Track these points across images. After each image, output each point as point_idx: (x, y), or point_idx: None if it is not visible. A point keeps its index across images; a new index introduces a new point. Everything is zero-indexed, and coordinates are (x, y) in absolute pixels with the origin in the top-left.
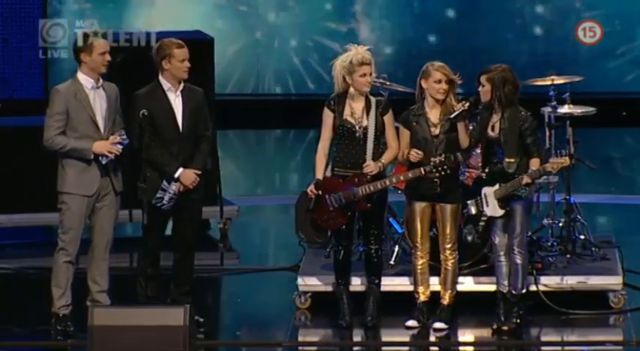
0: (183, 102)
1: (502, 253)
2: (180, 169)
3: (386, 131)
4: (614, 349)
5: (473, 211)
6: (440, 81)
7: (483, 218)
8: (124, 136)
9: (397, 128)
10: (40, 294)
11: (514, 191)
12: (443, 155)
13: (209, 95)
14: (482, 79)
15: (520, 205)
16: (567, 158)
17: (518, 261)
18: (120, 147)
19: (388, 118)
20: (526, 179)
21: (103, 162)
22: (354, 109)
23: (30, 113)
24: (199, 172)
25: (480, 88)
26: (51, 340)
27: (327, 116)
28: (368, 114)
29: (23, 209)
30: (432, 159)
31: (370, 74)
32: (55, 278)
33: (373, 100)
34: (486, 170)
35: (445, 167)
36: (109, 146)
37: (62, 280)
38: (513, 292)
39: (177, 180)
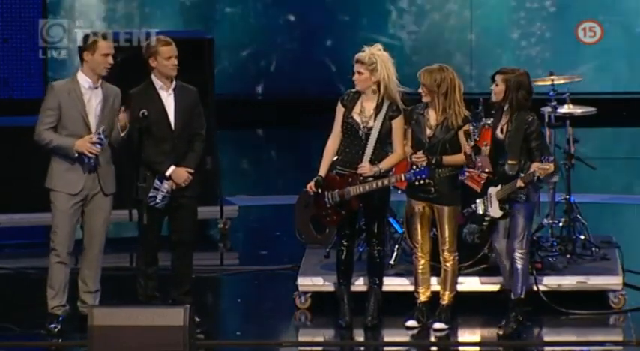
0: (175, 100)
1: (503, 258)
2: (172, 168)
3: (393, 136)
4: (614, 349)
5: (480, 210)
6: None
7: (487, 218)
8: (101, 137)
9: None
10: (39, 294)
11: (512, 194)
12: (428, 161)
13: (209, 95)
14: (498, 78)
15: (521, 209)
16: (552, 165)
17: (519, 265)
18: (98, 148)
19: (397, 123)
20: (519, 183)
21: (85, 161)
22: (365, 109)
23: (30, 113)
24: (191, 171)
25: (494, 87)
26: (48, 341)
27: (339, 111)
28: (377, 115)
29: (23, 209)
30: (413, 167)
31: (360, 73)
32: (49, 279)
33: (387, 102)
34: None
35: (423, 177)
36: (87, 146)
37: (54, 281)
38: (512, 296)
39: (170, 178)
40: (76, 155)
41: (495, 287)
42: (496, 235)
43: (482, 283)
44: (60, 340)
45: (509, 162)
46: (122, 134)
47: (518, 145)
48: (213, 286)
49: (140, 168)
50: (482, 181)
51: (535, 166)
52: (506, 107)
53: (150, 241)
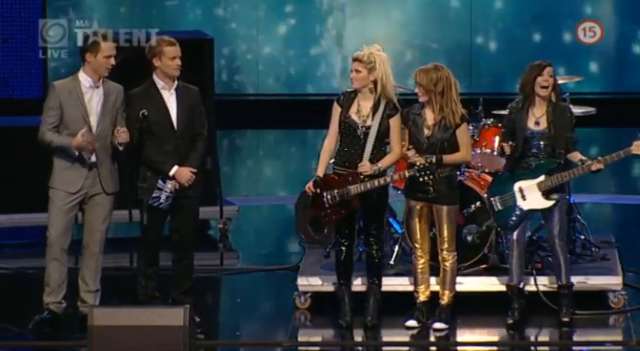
0: (177, 100)
1: (517, 248)
2: (175, 167)
3: (390, 134)
4: (614, 349)
5: (498, 207)
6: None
7: (517, 212)
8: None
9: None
10: (39, 294)
11: (568, 181)
12: (428, 158)
13: (209, 95)
14: (550, 71)
15: (560, 199)
16: None
17: (561, 256)
18: (94, 146)
19: (394, 121)
20: (597, 165)
21: (86, 160)
22: (362, 108)
23: (30, 113)
24: (195, 170)
25: (541, 81)
26: (45, 340)
27: (335, 111)
28: (374, 114)
29: (23, 209)
30: (417, 163)
31: (357, 71)
32: (45, 276)
33: (384, 101)
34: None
35: (427, 172)
36: (83, 145)
37: (50, 278)
38: (563, 283)
39: (173, 178)
40: (77, 153)
41: (495, 287)
42: (519, 228)
43: (482, 283)
44: (53, 340)
45: (559, 150)
46: (120, 148)
47: (565, 134)
48: (213, 286)
49: (140, 168)
50: (482, 182)
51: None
52: (541, 98)
53: (150, 241)
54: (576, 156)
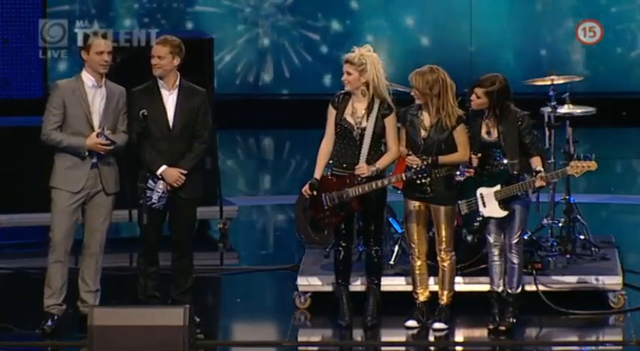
0: (177, 100)
1: (496, 252)
2: (163, 167)
3: (386, 134)
4: (614, 349)
5: (465, 211)
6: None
7: (479, 219)
8: (109, 138)
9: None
10: (39, 294)
11: (522, 193)
12: (425, 161)
13: (209, 95)
14: (479, 92)
15: (519, 205)
16: (594, 162)
17: (515, 260)
18: (111, 147)
19: (389, 121)
20: (539, 182)
21: (93, 158)
22: (356, 109)
23: (30, 113)
24: (184, 171)
25: (474, 98)
26: (45, 341)
27: (331, 113)
28: (369, 115)
29: (23, 209)
30: (414, 165)
31: (349, 73)
32: (46, 278)
33: (377, 102)
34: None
35: (424, 174)
36: (98, 147)
37: (51, 280)
38: (509, 291)
39: (162, 178)
40: (86, 153)
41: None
42: (490, 229)
43: (481, 283)
44: (53, 340)
45: (510, 161)
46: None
47: (515, 143)
48: (213, 286)
49: (141, 168)
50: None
51: (575, 165)
52: (491, 116)
53: (150, 241)
54: (536, 163)
